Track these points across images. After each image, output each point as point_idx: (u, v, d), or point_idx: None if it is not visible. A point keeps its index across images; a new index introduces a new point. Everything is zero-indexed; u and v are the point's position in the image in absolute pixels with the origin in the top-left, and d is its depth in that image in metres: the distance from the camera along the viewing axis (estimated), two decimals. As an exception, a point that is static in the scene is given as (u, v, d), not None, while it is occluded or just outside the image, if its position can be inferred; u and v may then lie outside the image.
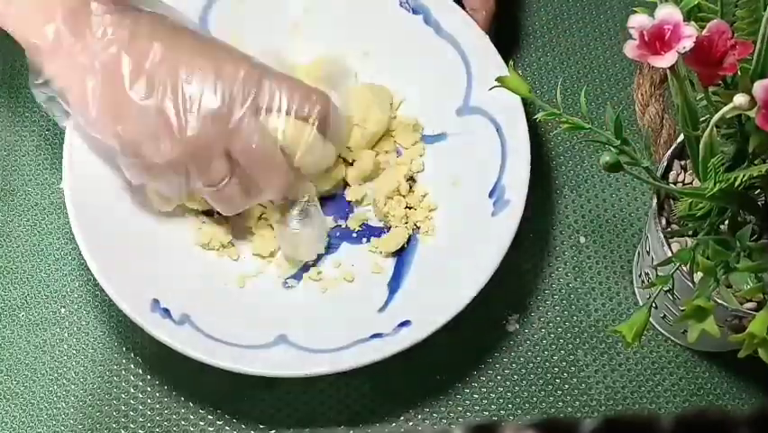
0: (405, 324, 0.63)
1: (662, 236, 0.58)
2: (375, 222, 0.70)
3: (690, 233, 0.58)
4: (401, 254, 0.69)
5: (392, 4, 0.72)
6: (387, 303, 0.66)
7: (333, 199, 0.71)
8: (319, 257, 0.69)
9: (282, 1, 0.73)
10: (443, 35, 0.71)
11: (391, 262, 0.68)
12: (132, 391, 0.67)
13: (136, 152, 0.63)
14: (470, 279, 0.64)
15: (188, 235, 0.69)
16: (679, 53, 0.47)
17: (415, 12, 0.72)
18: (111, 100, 0.62)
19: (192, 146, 0.62)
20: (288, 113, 0.64)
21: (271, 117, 0.64)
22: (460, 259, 0.66)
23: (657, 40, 0.48)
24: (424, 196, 0.70)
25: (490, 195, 0.67)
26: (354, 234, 0.70)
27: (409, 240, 0.69)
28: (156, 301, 0.64)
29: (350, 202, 0.71)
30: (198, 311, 0.65)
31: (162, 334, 0.63)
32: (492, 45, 0.70)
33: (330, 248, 0.69)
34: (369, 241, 0.69)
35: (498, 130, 0.68)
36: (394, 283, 0.67)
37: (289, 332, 0.64)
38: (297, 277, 0.68)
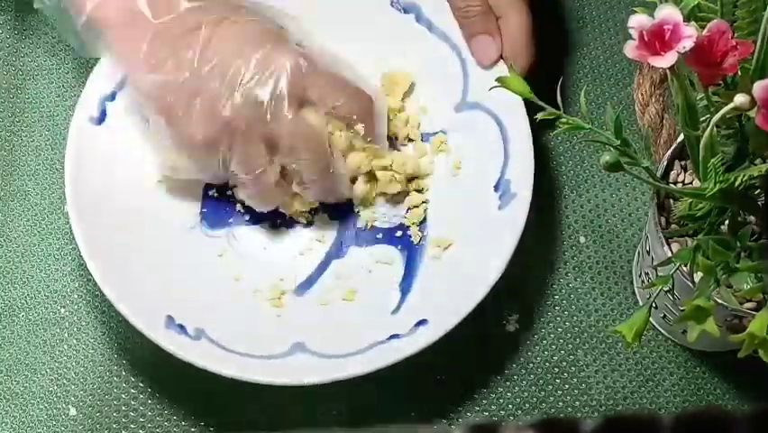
0: (422, 323, 0.63)
1: (662, 236, 0.58)
2: (382, 223, 0.70)
3: (690, 233, 0.58)
4: (410, 255, 0.68)
5: (383, 4, 0.72)
6: (400, 305, 0.66)
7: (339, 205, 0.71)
8: (327, 263, 0.69)
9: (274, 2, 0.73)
10: (436, 32, 0.71)
11: (401, 263, 0.68)
12: (132, 391, 0.67)
13: (171, 119, 0.63)
14: (483, 272, 0.64)
15: (200, 248, 0.69)
16: (679, 53, 0.47)
17: (406, 11, 0.72)
18: (159, 60, 0.63)
19: (228, 127, 0.63)
20: (331, 113, 0.64)
21: (313, 113, 0.64)
22: (470, 255, 0.66)
23: (657, 40, 0.48)
24: (420, 191, 0.70)
25: (496, 189, 0.67)
26: (363, 237, 0.70)
27: (419, 240, 0.69)
28: (170, 318, 0.64)
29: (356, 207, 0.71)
30: (213, 324, 0.64)
31: (179, 350, 0.62)
32: None
33: (338, 253, 0.69)
34: (377, 243, 0.69)
35: (499, 123, 0.68)
36: (405, 284, 0.67)
37: (305, 339, 0.64)
38: (308, 283, 0.68)
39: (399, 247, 0.69)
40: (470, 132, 0.70)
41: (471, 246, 0.66)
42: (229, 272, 0.68)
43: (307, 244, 0.70)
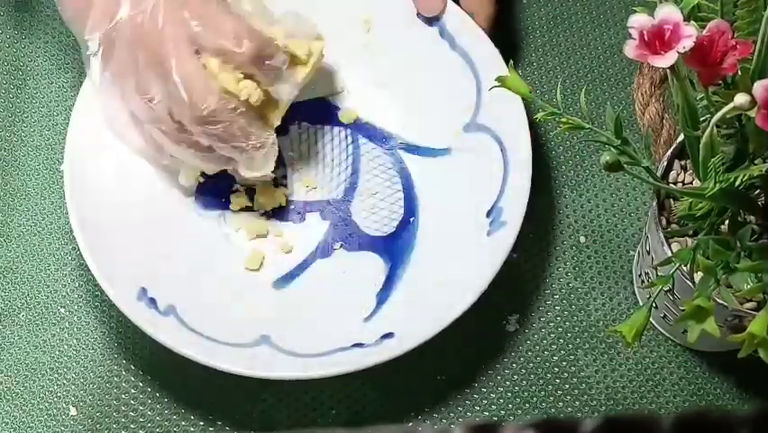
0: (388, 336, 0.63)
1: (662, 236, 0.58)
2: (373, 231, 0.70)
3: (690, 233, 0.58)
4: (393, 266, 0.68)
5: (410, 14, 0.72)
6: (373, 313, 0.66)
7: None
8: (310, 261, 0.69)
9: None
10: (458, 50, 0.71)
11: (383, 272, 0.68)
12: (132, 391, 0.67)
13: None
14: (457, 297, 0.63)
15: (188, 226, 0.69)
16: (679, 53, 0.47)
17: (431, 24, 0.72)
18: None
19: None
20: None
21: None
22: (450, 276, 0.66)
23: (657, 39, 0.48)
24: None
25: (488, 214, 0.67)
26: (352, 241, 0.70)
27: (403, 251, 0.69)
28: (143, 290, 0.64)
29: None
30: (185, 304, 0.64)
31: (145, 323, 0.63)
32: (503, 62, 0.70)
33: (323, 253, 0.70)
34: (364, 249, 0.69)
35: (503, 151, 0.68)
36: (383, 294, 0.67)
37: (272, 333, 0.64)
38: (289, 278, 0.68)
39: (385, 257, 0.69)
40: (474, 153, 0.70)
41: (453, 269, 0.66)
42: (212, 255, 0.68)
43: (295, 239, 0.70)
